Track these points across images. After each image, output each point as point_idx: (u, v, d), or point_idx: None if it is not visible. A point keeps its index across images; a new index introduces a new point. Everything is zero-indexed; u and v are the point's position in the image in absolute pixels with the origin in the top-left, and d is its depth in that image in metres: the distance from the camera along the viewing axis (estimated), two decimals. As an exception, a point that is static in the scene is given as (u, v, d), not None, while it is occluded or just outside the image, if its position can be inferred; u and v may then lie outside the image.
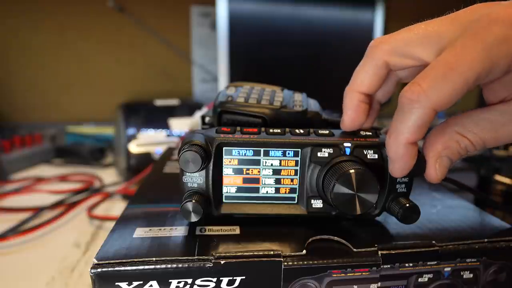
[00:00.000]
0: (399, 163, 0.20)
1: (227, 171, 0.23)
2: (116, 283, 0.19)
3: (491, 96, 0.21)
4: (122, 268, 0.19)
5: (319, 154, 0.22)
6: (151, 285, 0.19)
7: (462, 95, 0.18)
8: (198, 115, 0.55)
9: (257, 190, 0.23)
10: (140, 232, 0.22)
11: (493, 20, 0.17)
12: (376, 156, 0.22)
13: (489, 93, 0.21)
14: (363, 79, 0.23)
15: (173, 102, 0.75)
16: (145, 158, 0.60)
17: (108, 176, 0.66)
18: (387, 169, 0.22)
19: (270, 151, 0.23)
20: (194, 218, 0.21)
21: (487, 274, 0.22)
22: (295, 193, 0.23)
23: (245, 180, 0.23)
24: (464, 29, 0.18)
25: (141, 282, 0.19)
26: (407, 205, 0.22)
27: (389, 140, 0.20)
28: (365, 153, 0.22)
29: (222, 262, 0.19)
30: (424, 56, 0.20)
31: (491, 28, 0.17)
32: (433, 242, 0.21)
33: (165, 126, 0.68)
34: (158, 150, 0.61)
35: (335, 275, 0.20)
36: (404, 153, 0.20)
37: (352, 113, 0.24)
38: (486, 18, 0.18)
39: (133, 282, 0.19)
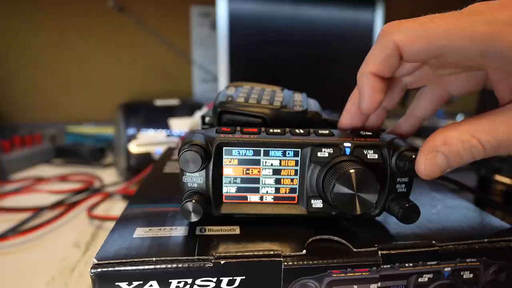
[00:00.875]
0: (364, 93, 0.21)
1: (227, 171, 0.23)
2: (116, 283, 0.19)
3: (504, 93, 0.20)
4: (122, 268, 0.19)
5: (319, 154, 0.22)
6: (151, 285, 0.19)
7: (428, 56, 0.18)
8: (198, 115, 0.55)
9: (257, 190, 0.23)
10: (140, 232, 0.22)
11: (490, 7, 0.17)
12: (376, 156, 0.22)
13: (503, 91, 0.20)
14: (374, 59, 0.22)
15: (173, 102, 0.75)
16: (145, 158, 0.60)
17: (108, 176, 0.66)
18: (387, 169, 0.22)
19: (270, 151, 0.23)
20: (194, 218, 0.21)
21: (487, 274, 0.22)
22: (295, 193, 0.23)
23: (245, 180, 0.23)
24: (463, 9, 0.18)
25: (141, 282, 0.19)
26: (407, 205, 0.22)
27: (358, 73, 0.21)
28: (365, 153, 0.22)
29: (222, 262, 0.19)
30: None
31: (483, 12, 0.17)
32: (433, 242, 0.21)
33: (165, 126, 0.68)
34: (158, 150, 0.61)
35: (335, 275, 0.20)
36: (368, 82, 0.20)
37: (349, 118, 0.25)
38: (484, 5, 0.18)
39: (133, 282, 0.19)
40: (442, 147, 0.19)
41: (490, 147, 0.18)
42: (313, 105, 0.29)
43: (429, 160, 0.19)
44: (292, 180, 0.23)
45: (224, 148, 0.22)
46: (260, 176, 0.23)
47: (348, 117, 0.26)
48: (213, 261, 0.19)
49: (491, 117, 0.19)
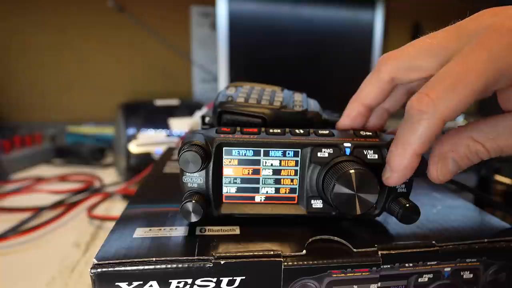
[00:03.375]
0: (399, 173, 0.20)
1: (227, 171, 0.23)
2: (116, 283, 0.19)
3: (508, 103, 0.20)
4: (122, 268, 0.19)
5: (319, 154, 0.22)
6: (151, 285, 0.19)
7: (470, 104, 0.18)
8: (198, 115, 0.55)
9: (257, 190, 0.23)
10: (140, 232, 0.22)
11: (498, 29, 0.17)
12: (376, 156, 0.22)
13: (507, 102, 0.20)
14: (368, 92, 0.24)
15: (173, 102, 0.75)
16: (145, 158, 0.60)
17: (108, 176, 0.66)
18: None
19: (270, 151, 0.23)
20: (194, 218, 0.21)
21: (487, 274, 0.22)
22: (295, 193, 0.23)
23: (245, 180, 0.23)
24: (469, 39, 0.18)
25: (141, 282, 0.19)
26: (407, 205, 0.22)
27: (396, 150, 0.20)
28: (365, 153, 0.22)
29: (222, 262, 0.19)
30: (429, 67, 0.20)
31: (497, 37, 0.17)
32: (433, 242, 0.21)
33: (165, 126, 0.68)
34: (158, 150, 0.61)
35: (335, 275, 0.20)
36: (408, 164, 0.20)
37: (348, 121, 0.26)
38: (491, 27, 0.18)
39: (133, 282, 0.19)
40: (451, 153, 0.20)
41: (493, 151, 0.20)
42: (313, 105, 0.29)
43: (440, 166, 0.21)
44: (292, 180, 0.23)
45: (224, 148, 0.22)
46: (260, 176, 0.23)
47: (347, 120, 0.26)
48: (213, 261, 0.19)
49: (494, 123, 0.20)
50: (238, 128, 0.23)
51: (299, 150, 0.23)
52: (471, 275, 0.22)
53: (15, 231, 0.42)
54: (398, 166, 0.20)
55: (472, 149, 0.20)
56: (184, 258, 0.19)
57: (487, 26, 0.18)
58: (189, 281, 0.19)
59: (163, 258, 0.19)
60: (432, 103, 0.18)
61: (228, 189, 0.23)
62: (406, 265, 0.21)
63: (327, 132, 0.23)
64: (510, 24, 0.17)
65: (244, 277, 0.20)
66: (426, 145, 0.19)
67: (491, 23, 0.18)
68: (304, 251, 0.20)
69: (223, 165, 0.23)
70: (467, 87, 0.17)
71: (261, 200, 0.24)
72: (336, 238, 0.22)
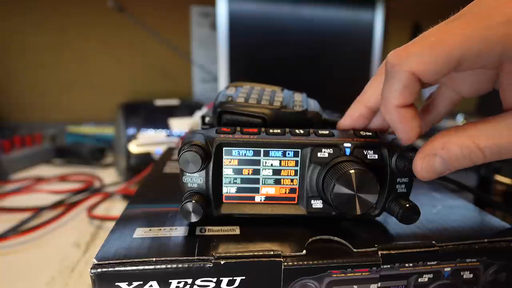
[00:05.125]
0: (399, 128, 0.20)
1: (227, 171, 0.23)
2: (116, 283, 0.19)
3: (509, 101, 0.20)
4: (122, 268, 0.19)
5: (319, 155, 0.22)
6: (151, 285, 0.19)
7: (447, 71, 0.18)
8: (198, 115, 0.55)
9: (257, 190, 0.23)
10: (140, 232, 0.22)
11: (498, 4, 0.17)
12: (376, 156, 0.22)
13: (507, 98, 0.20)
14: (371, 94, 0.24)
15: (173, 102, 0.75)
16: (145, 158, 0.60)
17: (108, 176, 0.66)
18: (387, 169, 0.22)
19: (270, 151, 0.23)
20: (194, 219, 0.21)
21: (487, 274, 0.22)
22: (295, 193, 0.23)
23: (245, 180, 0.23)
24: (468, 11, 0.18)
25: (141, 282, 0.19)
26: (407, 205, 0.22)
27: (383, 109, 0.20)
28: (365, 153, 0.22)
29: (222, 262, 0.19)
30: None
31: (492, 11, 0.17)
32: (433, 242, 0.21)
33: (165, 126, 0.68)
34: (158, 150, 0.61)
35: (335, 275, 0.20)
36: (398, 117, 0.20)
37: (350, 122, 0.26)
38: (491, 2, 0.17)
39: (133, 282, 0.19)
40: (441, 151, 0.19)
41: (490, 153, 0.18)
42: (313, 105, 0.29)
43: (426, 163, 0.20)
44: (292, 180, 0.23)
45: (224, 148, 0.22)
46: (260, 176, 0.23)
47: (349, 121, 0.26)
48: (213, 261, 0.19)
49: (493, 122, 0.19)
50: (238, 128, 0.23)
51: (299, 150, 0.23)
52: (471, 275, 0.22)
53: (15, 231, 0.42)
54: (392, 122, 0.20)
55: (465, 150, 0.18)
56: (184, 258, 0.19)
57: (488, 3, 0.17)
58: (189, 281, 0.19)
59: (163, 258, 0.19)
60: (406, 55, 0.18)
61: (228, 189, 0.23)
62: (406, 265, 0.21)
63: (327, 132, 0.23)
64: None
65: (244, 277, 0.20)
66: (403, 98, 0.19)
67: (495, 2, 0.17)
68: (304, 251, 0.20)
69: (223, 165, 0.23)
70: (445, 49, 0.17)
71: (261, 200, 0.24)
72: (336, 238, 0.22)
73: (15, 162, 0.67)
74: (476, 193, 0.36)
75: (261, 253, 0.20)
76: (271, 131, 0.23)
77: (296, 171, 0.23)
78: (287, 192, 0.23)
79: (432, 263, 0.21)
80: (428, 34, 0.18)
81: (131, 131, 0.65)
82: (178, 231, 0.22)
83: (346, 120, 0.26)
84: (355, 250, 0.21)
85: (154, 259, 0.19)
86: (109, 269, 0.19)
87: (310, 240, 0.21)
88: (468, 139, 0.18)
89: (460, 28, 0.17)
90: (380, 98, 0.20)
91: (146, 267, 0.19)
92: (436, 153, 0.19)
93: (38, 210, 0.47)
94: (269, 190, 0.23)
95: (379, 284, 0.21)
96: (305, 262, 0.20)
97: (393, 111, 0.20)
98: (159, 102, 0.74)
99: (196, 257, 0.19)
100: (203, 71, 0.96)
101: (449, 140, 0.19)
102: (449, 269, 0.22)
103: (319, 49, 0.83)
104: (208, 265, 0.19)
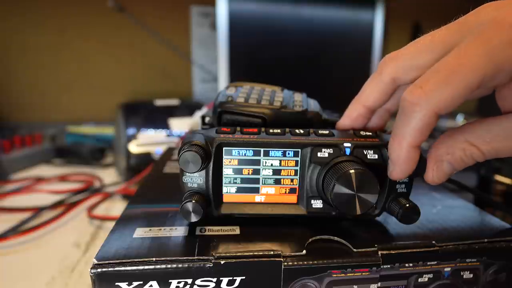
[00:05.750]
0: (400, 166, 0.20)
1: (227, 171, 0.23)
2: (116, 283, 0.19)
3: (506, 104, 0.20)
4: (122, 268, 0.19)
5: (319, 154, 0.22)
6: (151, 285, 0.19)
7: (465, 99, 0.18)
8: (198, 115, 0.55)
9: (257, 190, 0.23)
10: (140, 232, 0.22)
11: (499, 23, 0.17)
12: (376, 156, 0.22)
13: (503, 101, 0.20)
14: (369, 94, 0.24)
15: (173, 102, 0.75)
16: (145, 158, 0.60)
17: (108, 176, 0.66)
18: (387, 169, 0.22)
19: (270, 151, 0.23)
20: (194, 218, 0.21)
21: (487, 274, 0.22)
22: (295, 193, 0.23)
23: (245, 180, 0.23)
24: (470, 32, 0.18)
25: (141, 282, 0.19)
26: (407, 205, 0.22)
27: (393, 143, 0.20)
28: (365, 153, 0.22)
29: (222, 262, 0.19)
30: (430, 64, 0.20)
31: (496, 31, 0.17)
32: (433, 242, 0.21)
33: (165, 126, 0.68)
34: (158, 150, 0.61)
35: (335, 275, 0.20)
36: (407, 156, 0.20)
37: (349, 122, 0.26)
38: (493, 21, 0.17)
39: (133, 282, 0.19)
40: (446, 156, 0.20)
41: (488, 154, 0.20)
42: (313, 105, 0.29)
43: (436, 169, 0.21)
44: (292, 180, 0.23)
45: (224, 148, 0.22)
46: (260, 176, 0.23)
47: (348, 121, 0.26)
48: (213, 261, 0.19)
49: (490, 125, 0.20)
50: (238, 128, 0.23)
51: (299, 150, 0.23)
52: (471, 275, 0.22)
53: (15, 231, 0.42)
54: (397, 159, 0.20)
55: (467, 152, 0.20)
56: (184, 258, 0.19)
57: (489, 20, 0.18)
58: (189, 281, 0.19)
59: (163, 258, 0.19)
60: (425, 95, 0.18)
61: (228, 189, 0.23)
62: (406, 265, 0.21)
63: (327, 132, 0.23)
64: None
65: (244, 277, 0.20)
66: (420, 137, 0.19)
67: (492, 17, 0.18)
68: (304, 251, 0.20)
69: (223, 165, 0.23)
70: (462, 80, 0.17)
71: (261, 200, 0.24)
72: (336, 238, 0.22)
73: (15, 162, 0.67)
74: (476, 193, 0.36)
75: (261, 253, 0.20)
76: (271, 131, 0.23)
77: (296, 171, 0.23)
78: (287, 192, 0.23)
79: (432, 263, 0.21)
80: (439, 67, 0.18)
81: (131, 131, 0.65)
82: (178, 231, 0.22)
83: (345, 120, 0.26)
84: (355, 250, 0.21)
85: (154, 259, 0.19)
86: (109, 269, 0.19)
87: (310, 240, 0.21)
88: (468, 144, 0.20)
89: (471, 57, 0.17)
90: (392, 131, 0.20)
91: (146, 267, 0.19)
92: (443, 159, 0.21)
93: (38, 210, 0.47)
94: (269, 190, 0.23)
95: (379, 284, 0.21)
96: (305, 262, 0.20)
97: (405, 149, 0.20)
98: (159, 102, 0.74)
99: (196, 257, 0.19)
100: (203, 71, 0.96)
101: (452, 145, 0.20)
102: (449, 269, 0.22)
103: (319, 49, 0.83)
104: (208, 265, 0.19)
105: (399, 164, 0.20)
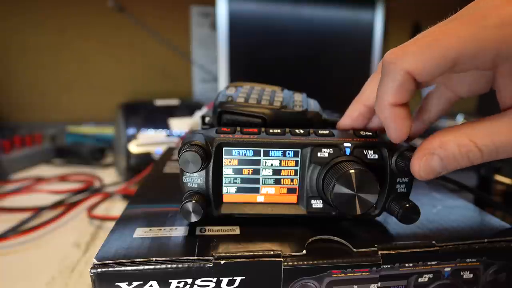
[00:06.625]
0: (390, 126, 0.20)
1: (227, 171, 0.23)
2: (116, 283, 0.19)
3: (507, 100, 0.20)
4: (122, 268, 0.19)
5: (319, 154, 0.22)
6: (151, 285, 0.19)
7: (442, 71, 0.18)
8: (198, 115, 0.55)
9: (257, 190, 0.23)
10: (140, 232, 0.22)
11: (494, 6, 0.17)
12: (376, 156, 0.22)
13: (504, 98, 0.20)
14: (370, 93, 0.24)
15: (173, 102, 0.75)
16: (145, 158, 0.60)
17: (108, 176, 0.66)
18: (387, 169, 0.22)
19: (270, 151, 0.23)
20: (194, 218, 0.21)
21: (487, 274, 0.22)
22: (295, 193, 0.23)
23: (245, 180, 0.23)
24: (466, 12, 0.18)
25: (141, 282, 0.19)
26: (407, 205, 0.22)
27: (377, 104, 0.21)
28: (365, 153, 0.22)
29: (222, 262, 0.19)
30: None
31: (488, 13, 0.17)
32: (433, 242, 0.21)
33: (165, 126, 0.68)
34: (158, 150, 0.61)
35: (335, 275, 0.20)
36: (391, 115, 0.20)
37: (349, 121, 0.26)
38: (487, 6, 0.17)
39: (133, 282, 0.19)
40: (438, 149, 0.19)
41: (487, 152, 0.18)
42: (313, 105, 0.29)
43: (424, 162, 0.20)
44: (292, 180, 0.23)
45: (224, 148, 0.22)
46: (260, 176, 0.23)
47: (348, 121, 0.26)
48: (213, 261, 0.19)
49: (491, 121, 0.19)
50: (238, 128, 0.23)
51: (299, 150, 0.23)
52: (471, 275, 0.22)
53: (15, 231, 0.42)
54: (385, 120, 0.20)
55: (463, 149, 0.18)
56: (184, 258, 0.19)
57: (487, 3, 0.17)
58: (189, 281, 0.19)
59: (163, 258, 0.19)
60: (402, 55, 0.18)
61: (228, 189, 0.23)
62: (406, 265, 0.21)
63: (327, 132, 0.23)
64: (508, 4, 0.17)
65: (244, 277, 0.20)
66: (397, 96, 0.19)
67: (490, 4, 0.17)
68: (304, 251, 0.20)
69: (223, 165, 0.23)
70: (440, 48, 0.17)
71: (261, 200, 0.24)
72: (336, 238, 0.22)
73: (15, 162, 0.67)
74: (476, 193, 0.36)
75: (261, 253, 0.20)
76: (271, 131, 0.23)
77: (296, 171, 0.23)
78: (287, 192, 0.23)
79: (432, 263, 0.21)
80: (425, 34, 0.18)
81: (131, 131, 0.65)
82: (178, 231, 0.22)
83: (346, 120, 0.26)
84: (355, 250, 0.21)
85: (154, 259, 0.19)
86: (109, 269, 0.19)
87: (310, 240, 0.21)
88: (465, 137, 0.19)
89: (456, 30, 0.17)
90: (376, 94, 0.21)
91: (146, 267, 0.19)
92: (434, 152, 0.19)
93: (38, 210, 0.47)
94: (269, 190, 0.23)
95: (379, 284, 0.21)
96: (305, 262, 0.20)
97: (386, 109, 0.20)
98: (159, 102, 0.74)
99: (196, 257, 0.19)
100: (203, 71, 0.96)
101: (447, 139, 0.19)
102: (449, 269, 0.22)
103: (319, 49, 0.83)
104: (208, 265, 0.19)
105: (389, 124, 0.20)
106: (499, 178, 0.43)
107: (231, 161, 0.23)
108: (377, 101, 0.20)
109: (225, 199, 0.23)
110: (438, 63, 0.17)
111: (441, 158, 0.19)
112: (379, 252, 0.21)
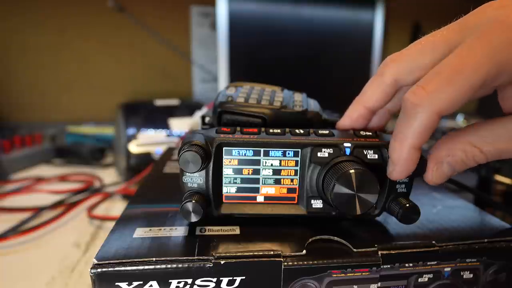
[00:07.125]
0: (400, 167, 0.20)
1: (227, 171, 0.23)
2: (116, 283, 0.19)
3: (509, 104, 0.20)
4: (122, 268, 0.19)
5: (319, 154, 0.22)
6: (151, 285, 0.19)
7: (468, 100, 0.18)
8: (198, 115, 0.55)
9: (257, 190, 0.23)
10: (140, 232, 0.22)
11: (501, 22, 0.17)
12: (376, 156, 0.22)
13: (506, 101, 0.20)
14: (371, 95, 0.24)
15: (173, 102, 0.75)
16: (145, 158, 0.60)
17: (108, 176, 0.66)
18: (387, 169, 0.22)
19: (270, 151, 0.23)
20: (194, 218, 0.21)
21: (487, 274, 0.22)
22: (295, 193, 0.23)
23: (245, 180, 0.23)
24: (472, 31, 0.18)
25: (141, 282, 0.19)
26: (407, 205, 0.22)
27: (394, 144, 0.20)
28: (365, 153, 0.22)
29: (222, 262, 0.19)
30: (432, 64, 0.20)
31: (498, 31, 0.17)
32: (433, 242, 0.21)
33: (165, 126, 0.68)
34: (158, 150, 0.61)
35: (335, 275, 0.20)
36: (407, 157, 0.20)
37: (349, 122, 0.26)
38: (494, 21, 0.17)
39: (133, 282, 0.19)
40: (447, 158, 0.21)
41: (491, 155, 0.20)
42: (313, 105, 0.29)
43: (436, 171, 0.21)
44: (292, 180, 0.23)
45: (224, 148, 0.22)
46: (260, 176, 0.23)
47: (348, 121, 0.26)
48: (213, 261, 0.19)
49: (493, 126, 0.20)
50: (238, 128, 0.23)
51: (299, 150, 0.23)
52: (471, 275, 0.22)
53: (15, 231, 0.42)
54: (397, 160, 0.20)
55: (469, 154, 0.20)
56: (184, 258, 0.19)
57: (490, 18, 0.18)
58: (189, 281, 0.19)
59: (163, 258, 0.19)
60: (427, 96, 0.18)
61: (228, 189, 0.23)
62: (406, 265, 0.21)
63: (327, 132, 0.23)
64: None
65: (244, 277, 0.20)
66: (422, 138, 0.19)
67: (494, 16, 0.18)
68: (304, 251, 0.20)
69: (223, 165, 0.23)
70: (464, 81, 0.17)
71: (261, 200, 0.24)
72: (336, 238, 0.22)
73: (15, 162, 0.67)
74: (476, 193, 0.36)
75: (261, 253, 0.20)
76: (271, 131, 0.23)
77: (296, 171, 0.23)
78: (287, 192, 0.23)
79: (432, 263, 0.21)
80: (441, 68, 0.18)
81: (131, 131, 0.65)
82: (178, 231, 0.22)
83: (345, 121, 0.26)
84: (355, 250, 0.21)
85: (154, 259, 0.19)
86: (109, 269, 0.19)
87: (310, 240, 0.21)
88: (470, 145, 0.20)
89: (473, 55, 0.17)
90: (394, 132, 0.20)
91: (146, 267, 0.19)
92: (443, 161, 0.21)
93: (38, 210, 0.47)
94: (269, 190, 0.23)
95: (379, 284, 0.21)
96: (305, 262, 0.20)
97: (406, 150, 0.20)
98: (159, 102, 0.74)
99: (196, 257, 0.19)
100: (203, 71, 0.96)
101: (453, 147, 0.20)
102: (449, 269, 0.22)
103: (319, 49, 0.83)
104: (208, 265, 0.19)
105: (400, 164, 0.20)
106: (499, 178, 0.43)
107: (231, 161, 0.23)
108: (397, 140, 0.20)
109: (225, 199, 0.23)
110: (465, 96, 0.17)
111: (450, 165, 0.21)
112: (379, 252, 0.21)
